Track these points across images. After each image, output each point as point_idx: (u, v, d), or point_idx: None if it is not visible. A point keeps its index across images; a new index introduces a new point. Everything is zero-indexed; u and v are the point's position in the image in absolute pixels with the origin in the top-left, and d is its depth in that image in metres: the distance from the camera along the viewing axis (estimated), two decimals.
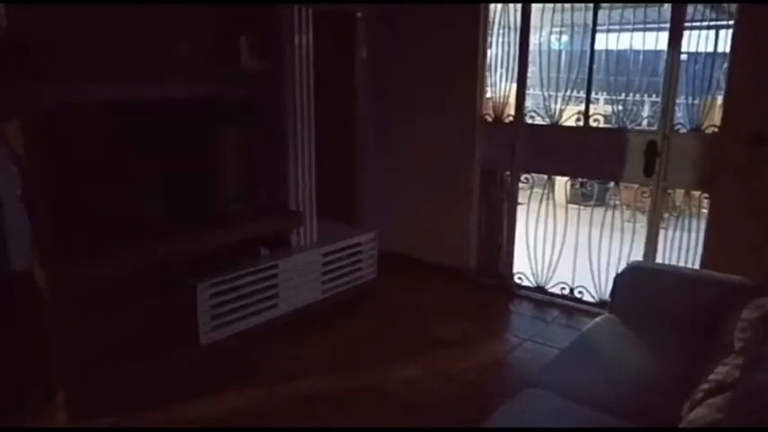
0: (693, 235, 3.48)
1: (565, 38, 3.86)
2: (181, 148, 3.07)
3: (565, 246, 3.94)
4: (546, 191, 4.01)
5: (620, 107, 3.61)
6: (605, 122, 3.70)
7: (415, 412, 2.72)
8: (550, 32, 3.83)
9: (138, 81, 2.87)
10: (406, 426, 2.60)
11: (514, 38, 3.87)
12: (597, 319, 2.56)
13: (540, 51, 3.84)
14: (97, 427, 2.49)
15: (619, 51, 3.59)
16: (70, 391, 2.50)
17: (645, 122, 3.94)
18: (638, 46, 3.58)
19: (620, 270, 2.78)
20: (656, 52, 3.56)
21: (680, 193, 3.57)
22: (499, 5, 3.89)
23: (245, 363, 3.10)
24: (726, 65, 3.21)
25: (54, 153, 2.49)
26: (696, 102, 3.37)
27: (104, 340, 2.73)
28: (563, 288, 3.98)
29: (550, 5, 3.75)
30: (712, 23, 3.29)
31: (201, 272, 2.93)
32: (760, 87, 3.05)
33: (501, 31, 3.94)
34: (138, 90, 2.86)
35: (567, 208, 4.00)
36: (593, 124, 3.68)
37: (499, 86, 4.01)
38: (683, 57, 3.35)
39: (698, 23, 3.30)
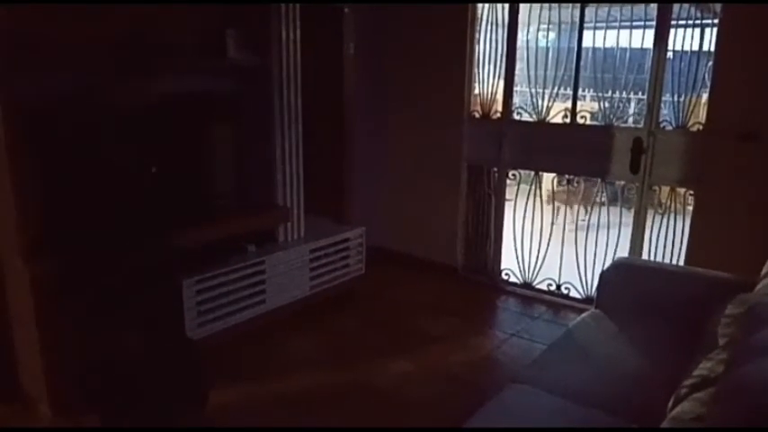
0: (678, 231, 3.50)
1: (552, 35, 3.86)
2: (165, 142, 3.01)
3: (552, 242, 3.96)
4: (533, 187, 4.02)
5: (607, 104, 3.63)
6: (592, 119, 3.71)
7: (405, 407, 2.72)
8: (538, 29, 3.83)
9: (129, 76, 2.83)
10: (398, 421, 2.59)
11: (502, 34, 3.87)
12: (583, 314, 2.55)
13: (527, 48, 3.84)
14: (95, 427, 2.44)
15: (606, 49, 3.60)
16: (54, 390, 2.48)
17: (631, 120, 3.97)
18: (624, 44, 3.59)
19: (606, 266, 2.78)
20: (643, 50, 3.57)
21: (665, 190, 3.59)
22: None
23: (233, 359, 3.08)
24: (711, 63, 3.22)
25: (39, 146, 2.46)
26: (681, 99, 3.38)
27: (87, 338, 2.69)
28: (550, 284, 4.00)
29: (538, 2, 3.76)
30: (698, 22, 3.30)
31: (187, 268, 2.89)
32: (744, 85, 3.07)
33: (489, 28, 3.94)
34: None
35: (554, 204, 4.02)
36: (581, 121, 3.70)
37: (487, 83, 4.01)
38: (669, 55, 3.36)
39: (683, 22, 3.31)
